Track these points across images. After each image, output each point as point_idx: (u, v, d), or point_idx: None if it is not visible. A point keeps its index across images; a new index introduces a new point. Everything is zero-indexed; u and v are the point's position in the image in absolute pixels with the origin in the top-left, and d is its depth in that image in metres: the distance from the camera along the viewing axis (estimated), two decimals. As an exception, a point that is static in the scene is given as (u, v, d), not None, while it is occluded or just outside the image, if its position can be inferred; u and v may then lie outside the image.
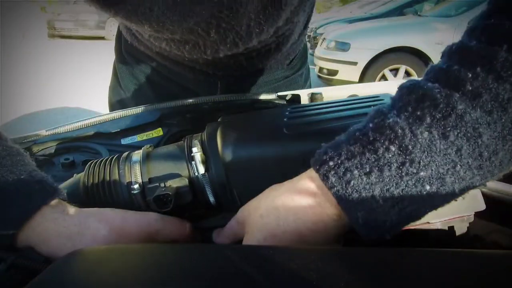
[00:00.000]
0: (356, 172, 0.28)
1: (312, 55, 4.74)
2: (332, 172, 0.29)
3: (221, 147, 0.40)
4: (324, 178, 0.29)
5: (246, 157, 0.39)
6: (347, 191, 0.28)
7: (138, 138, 0.68)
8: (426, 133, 0.26)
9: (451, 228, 0.36)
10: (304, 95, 0.75)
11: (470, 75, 0.25)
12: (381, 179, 0.27)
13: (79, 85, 4.26)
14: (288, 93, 0.77)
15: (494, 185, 0.34)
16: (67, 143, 0.66)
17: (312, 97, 0.74)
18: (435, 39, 3.68)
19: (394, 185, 0.27)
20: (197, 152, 0.40)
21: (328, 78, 4.29)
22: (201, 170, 0.40)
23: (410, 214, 0.28)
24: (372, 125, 0.28)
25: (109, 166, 0.43)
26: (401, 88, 0.29)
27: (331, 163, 0.29)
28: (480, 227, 0.38)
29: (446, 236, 0.36)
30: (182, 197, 0.40)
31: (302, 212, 0.30)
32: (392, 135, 0.27)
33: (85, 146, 0.66)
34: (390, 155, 0.27)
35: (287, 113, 0.44)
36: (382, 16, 5.70)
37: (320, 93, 0.74)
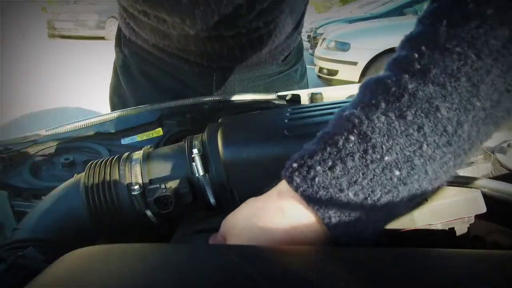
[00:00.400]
0: (319, 168, 0.27)
1: (312, 55, 4.74)
2: (296, 173, 0.28)
3: (221, 148, 0.40)
4: (290, 180, 0.28)
5: (247, 158, 0.39)
6: (314, 190, 0.27)
7: (138, 138, 0.68)
8: (383, 117, 0.26)
9: (452, 229, 0.36)
10: (304, 95, 0.76)
11: (417, 55, 0.26)
12: (346, 171, 0.26)
13: (79, 85, 4.26)
14: (288, 93, 0.77)
15: (494, 185, 0.34)
16: (67, 143, 0.66)
17: (312, 97, 0.74)
18: (435, 39, 3.68)
19: (361, 175, 0.26)
20: (197, 153, 0.40)
21: (328, 78, 4.29)
22: (202, 171, 0.40)
23: (387, 206, 0.26)
24: (331, 122, 0.29)
25: (109, 167, 0.43)
26: (360, 85, 0.30)
27: (294, 165, 0.28)
28: (480, 227, 0.38)
29: (446, 236, 0.36)
30: (183, 198, 0.40)
31: (276, 232, 0.29)
32: (350, 125, 0.27)
33: (85, 146, 0.66)
34: (351, 145, 0.26)
35: (287, 114, 0.44)
36: (382, 16, 5.70)
37: (320, 93, 0.74)
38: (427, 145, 0.25)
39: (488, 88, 0.24)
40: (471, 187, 0.35)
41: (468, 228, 0.36)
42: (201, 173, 0.40)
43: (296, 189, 0.28)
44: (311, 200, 0.27)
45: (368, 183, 0.26)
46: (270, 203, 0.30)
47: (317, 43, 5.00)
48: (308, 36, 7.53)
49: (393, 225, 0.35)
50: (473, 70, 0.24)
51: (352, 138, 0.26)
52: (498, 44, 0.24)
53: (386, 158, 0.25)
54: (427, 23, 0.27)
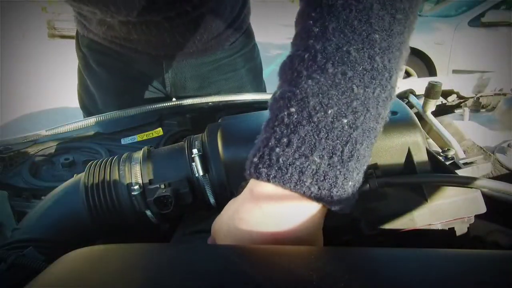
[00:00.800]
0: (278, 149, 0.28)
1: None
2: (260, 165, 0.28)
3: (221, 148, 0.40)
4: (258, 175, 0.29)
5: (247, 159, 0.39)
6: (283, 171, 0.27)
7: (138, 138, 0.68)
8: (309, 80, 0.28)
9: (452, 229, 0.36)
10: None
11: (311, 22, 0.29)
12: (302, 140, 0.27)
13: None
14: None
15: (494, 185, 0.34)
16: (67, 143, 0.66)
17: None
18: (435, 39, 3.68)
19: (317, 136, 0.27)
20: (197, 153, 0.40)
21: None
22: (201, 171, 0.40)
23: (351, 156, 0.28)
24: (268, 109, 0.30)
25: (109, 167, 0.43)
26: (278, 72, 0.32)
27: (255, 159, 0.29)
28: (480, 227, 0.38)
29: (446, 236, 0.36)
30: (183, 198, 0.40)
31: (259, 229, 0.29)
32: (286, 101, 0.28)
33: (85, 146, 0.66)
34: (295, 116, 0.28)
35: None
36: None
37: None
38: (356, 86, 0.27)
39: (378, 21, 0.28)
40: (471, 187, 0.35)
41: (468, 228, 0.36)
42: (201, 173, 0.40)
43: (267, 179, 0.28)
44: (284, 182, 0.28)
45: (325, 141, 0.27)
46: (246, 203, 0.31)
47: (317, 43, 4.99)
48: (308, 36, 7.51)
49: (393, 225, 0.35)
50: (358, 12, 0.27)
51: (293, 109, 0.28)
52: None
53: (329, 111, 0.27)
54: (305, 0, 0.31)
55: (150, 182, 0.41)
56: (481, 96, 0.72)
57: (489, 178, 0.42)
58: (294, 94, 0.28)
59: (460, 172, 0.38)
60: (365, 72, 0.27)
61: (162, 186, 0.40)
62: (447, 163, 0.38)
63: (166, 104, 0.71)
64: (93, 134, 0.67)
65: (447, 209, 0.35)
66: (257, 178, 0.29)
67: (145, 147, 0.46)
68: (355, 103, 0.27)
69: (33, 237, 0.39)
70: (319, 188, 0.28)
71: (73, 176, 0.46)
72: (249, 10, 0.91)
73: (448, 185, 0.35)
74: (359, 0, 0.27)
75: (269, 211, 0.29)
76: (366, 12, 0.27)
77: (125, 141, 0.67)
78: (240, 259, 0.24)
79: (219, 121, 0.45)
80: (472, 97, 0.73)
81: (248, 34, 0.93)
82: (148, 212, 0.41)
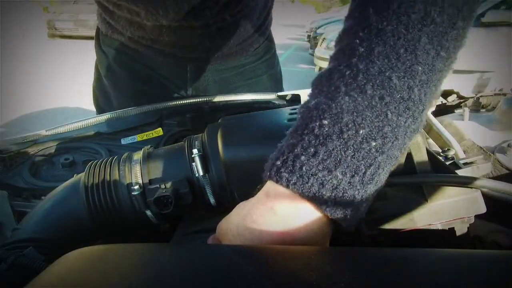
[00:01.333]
0: (303, 157, 0.28)
1: (312, 55, 4.73)
2: (283, 170, 0.29)
3: (221, 148, 0.40)
4: (278, 179, 0.29)
5: (247, 159, 0.39)
6: (304, 180, 0.28)
7: (138, 138, 0.68)
8: (347, 97, 0.28)
9: (452, 229, 0.36)
10: (304, 95, 0.76)
11: (358, 41, 0.29)
12: (329, 153, 0.28)
13: (79, 85, 4.26)
14: (288, 93, 0.77)
15: (494, 185, 0.34)
16: (67, 143, 0.66)
17: (312, 97, 0.74)
18: (435, 39, 3.67)
19: (343, 153, 0.27)
20: (197, 153, 0.40)
21: (328, 78, 4.28)
22: (201, 171, 0.40)
23: (371, 178, 0.28)
24: (299, 116, 0.31)
25: (109, 167, 0.43)
26: (312, 82, 0.32)
27: (278, 162, 0.29)
28: (480, 227, 0.38)
29: (446, 236, 0.36)
30: (183, 198, 0.40)
31: (269, 232, 0.30)
32: (320, 112, 0.29)
33: (85, 146, 0.66)
34: (327, 129, 0.28)
35: (287, 114, 0.44)
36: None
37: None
38: (391, 113, 0.28)
39: (423, 54, 0.28)
40: (471, 187, 0.35)
41: (468, 228, 0.36)
42: (201, 173, 0.40)
43: (286, 184, 0.28)
44: (303, 191, 0.28)
45: (351, 159, 0.28)
46: (259, 205, 0.31)
47: (317, 43, 5.00)
48: (308, 36, 7.53)
49: (393, 225, 0.35)
50: (406, 41, 0.28)
51: (326, 122, 0.28)
52: (418, 17, 0.28)
53: (361, 131, 0.27)
54: (356, 16, 0.31)
55: (150, 182, 0.41)
56: (481, 96, 0.72)
57: (489, 178, 0.42)
58: (329, 107, 0.28)
59: (460, 172, 0.38)
60: (401, 100, 0.28)
61: (162, 186, 0.40)
62: (447, 163, 0.38)
63: (166, 104, 0.71)
64: (93, 134, 0.67)
65: (447, 209, 0.35)
66: (277, 181, 0.29)
67: (145, 147, 0.46)
68: (386, 128, 0.28)
69: (33, 237, 0.39)
70: (335, 204, 0.28)
71: (73, 176, 0.46)
72: (272, 16, 0.91)
73: (448, 185, 0.35)
74: (408, 29, 0.28)
75: (283, 216, 0.29)
76: (413, 42, 0.28)
77: (125, 141, 0.68)
78: (239, 259, 0.24)
79: (219, 121, 0.45)
80: (472, 97, 0.73)
81: (270, 40, 0.94)
82: (148, 212, 0.41)
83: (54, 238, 0.40)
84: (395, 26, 0.28)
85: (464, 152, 0.55)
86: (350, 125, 0.27)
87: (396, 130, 0.28)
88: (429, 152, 0.37)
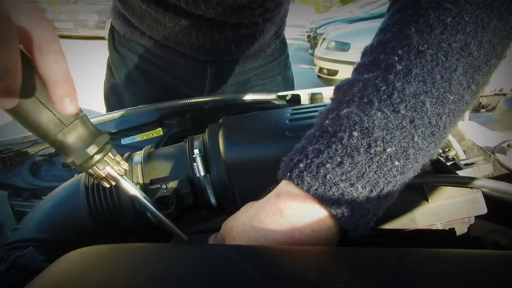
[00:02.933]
0: (328, 165, 0.28)
1: (312, 55, 4.73)
2: (305, 173, 0.29)
3: (222, 148, 0.40)
4: (299, 182, 0.29)
5: (248, 159, 0.39)
6: (326, 187, 0.28)
7: (138, 138, 0.68)
8: (379, 113, 0.28)
9: (452, 229, 0.36)
10: (304, 95, 0.76)
11: (396, 57, 0.29)
12: (354, 166, 0.28)
13: (79, 85, 4.23)
14: (288, 93, 0.77)
15: (495, 185, 0.34)
16: (67, 143, 0.66)
17: (312, 97, 0.75)
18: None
19: (367, 168, 0.28)
20: (198, 154, 0.40)
21: (328, 78, 4.29)
22: (203, 171, 0.40)
23: (386, 195, 0.29)
24: (328, 121, 0.30)
25: (109, 166, 0.43)
26: (339, 87, 0.32)
27: (301, 165, 0.29)
28: (480, 227, 0.38)
29: (446, 236, 0.36)
30: (184, 198, 0.40)
31: (275, 233, 0.30)
32: (351, 122, 0.28)
33: (85, 146, 0.66)
34: (355, 141, 0.28)
35: (288, 114, 0.44)
36: (382, 16, 5.59)
37: (320, 93, 0.74)
38: (418, 136, 0.28)
39: (456, 84, 0.28)
40: (471, 187, 0.35)
41: (468, 228, 0.36)
42: (202, 173, 0.40)
43: (307, 188, 0.28)
44: (324, 198, 0.28)
45: (373, 175, 0.28)
46: (268, 206, 0.31)
47: (317, 43, 5.00)
48: (308, 36, 7.52)
49: (394, 225, 0.35)
50: (444, 69, 0.28)
51: (356, 134, 0.28)
52: (458, 46, 0.28)
53: (388, 150, 0.28)
54: (395, 31, 0.31)
55: (151, 182, 0.41)
56: (481, 96, 0.72)
57: (490, 178, 0.42)
58: (361, 119, 0.28)
59: (460, 173, 0.38)
60: (429, 126, 0.28)
61: (163, 186, 0.40)
62: (448, 164, 0.38)
63: (166, 104, 0.71)
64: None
65: (448, 210, 0.35)
66: (297, 184, 0.29)
67: (146, 147, 0.46)
68: (410, 150, 0.28)
69: (33, 237, 0.39)
70: (351, 215, 0.28)
71: (73, 176, 0.46)
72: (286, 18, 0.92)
73: (449, 185, 0.35)
74: (447, 57, 0.28)
75: (290, 218, 0.29)
76: (450, 71, 0.28)
77: (125, 141, 0.68)
78: (240, 258, 0.24)
79: (220, 121, 0.45)
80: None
81: (284, 43, 0.95)
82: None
83: (54, 238, 0.40)
84: (435, 51, 0.28)
85: (464, 152, 0.55)
86: (378, 142, 0.28)
87: (418, 153, 0.28)
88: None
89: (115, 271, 0.25)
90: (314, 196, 0.28)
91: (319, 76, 4.49)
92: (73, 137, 0.32)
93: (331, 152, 0.28)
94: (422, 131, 0.28)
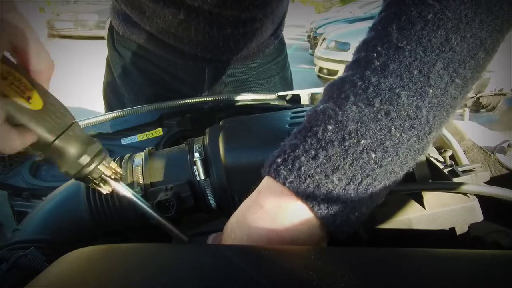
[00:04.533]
0: (303, 158, 0.29)
1: (312, 55, 4.73)
2: (282, 167, 0.29)
3: (222, 152, 0.40)
4: (276, 175, 0.30)
5: (248, 162, 0.39)
6: (301, 179, 0.28)
7: (138, 138, 0.68)
8: (354, 107, 0.29)
9: (452, 229, 0.36)
10: (304, 95, 0.76)
11: (375, 54, 0.30)
12: (328, 158, 0.28)
13: (79, 85, 4.26)
14: (288, 93, 0.77)
15: (491, 191, 0.34)
16: (67, 143, 0.66)
17: (312, 97, 0.75)
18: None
19: (342, 160, 0.28)
20: (198, 157, 0.40)
21: (328, 78, 4.29)
22: (203, 175, 0.40)
23: (367, 191, 0.29)
24: (306, 118, 0.31)
25: (110, 167, 0.43)
26: (325, 88, 0.33)
27: (278, 160, 0.30)
28: (480, 227, 0.38)
29: (446, 236, 0.36)
30: (184, 201, 0.40)
31: (260, 230, 0.30)
32: (326, 117, 0.29)
33: (85, 146, 0.66)
34: (330, 134, 0.29)
35: (288, 118, 0.44)
36: (382, 16, 5.68)
37: (320, 93, 0.74)
38: (395, 128, 0.28)
39: (436, 78, 0.28)
40: (464, 193, 0.35)
41: (468, 228, 0.36)
42: (202, 177, 0.40)
43: (283, 181, 0.29)
44: (299, 190, 0.29)
45: (349, 167, 0.28)
46: (250, 202, 0.32)
47: (317, 43, 5.00)
48: (308, 36, 7.52)
49: (391, 232, 0.35)
50: (422, 64, 0.28)
51: (330, 127, 0.29)
52: (437, 42, 0.28)
53: (362, 142, 0.28)
54: (379, 29, 0.31)
55: (152, 184, 0.41)
56: (481, 96, 0.72)
57: (490, 177, 0.42)
58: (335, 113, 0.29)
59: (458, 180, 0.38)
60: (407, 118, 0.28)
61: (164, 189, 0.40)
62: (446, 170, 0.38)
63: (166, 104, 0.71)
64: (93, 134, 0.67)
65: (445, 217, 0.35)
66: (275, 177, 0.30)
67: (147, 149, 0.46)
68: (388, 143, 0.28)
69: (34, 238, 0.39)
70: (327, 207, 0.28)
71: (73, 176, 0.46)
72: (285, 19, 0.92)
73: (445, 191, 0.35)
74: (426, 52, 0.28)
75: (270, 212, 0.30)
76: (428, 66, 0.28)
77: (125, 141, 0.68)
78: (240, 259, 0.24)
79: (220, 123, 0.45)
80: (472, 97, 0.73)
81: (282, 43, 0.95)
82: (149, 213, 0.41)
83: (55, 239, 0.40)
84: (414, 47, 0.29)
85: (464, 152, 0.55)
86: (353, 134, 0.28)
87: (397, 146, 0.28)
88: (428, 159, 0.37)
89: (115, 271, 0.25)
90: (289, 188, 0.29)
91: (319, 76, 4.49)
92: (64, 148, 0.32)
93: (306, 146, 0.29)
94: (400, 124, 0.28)
